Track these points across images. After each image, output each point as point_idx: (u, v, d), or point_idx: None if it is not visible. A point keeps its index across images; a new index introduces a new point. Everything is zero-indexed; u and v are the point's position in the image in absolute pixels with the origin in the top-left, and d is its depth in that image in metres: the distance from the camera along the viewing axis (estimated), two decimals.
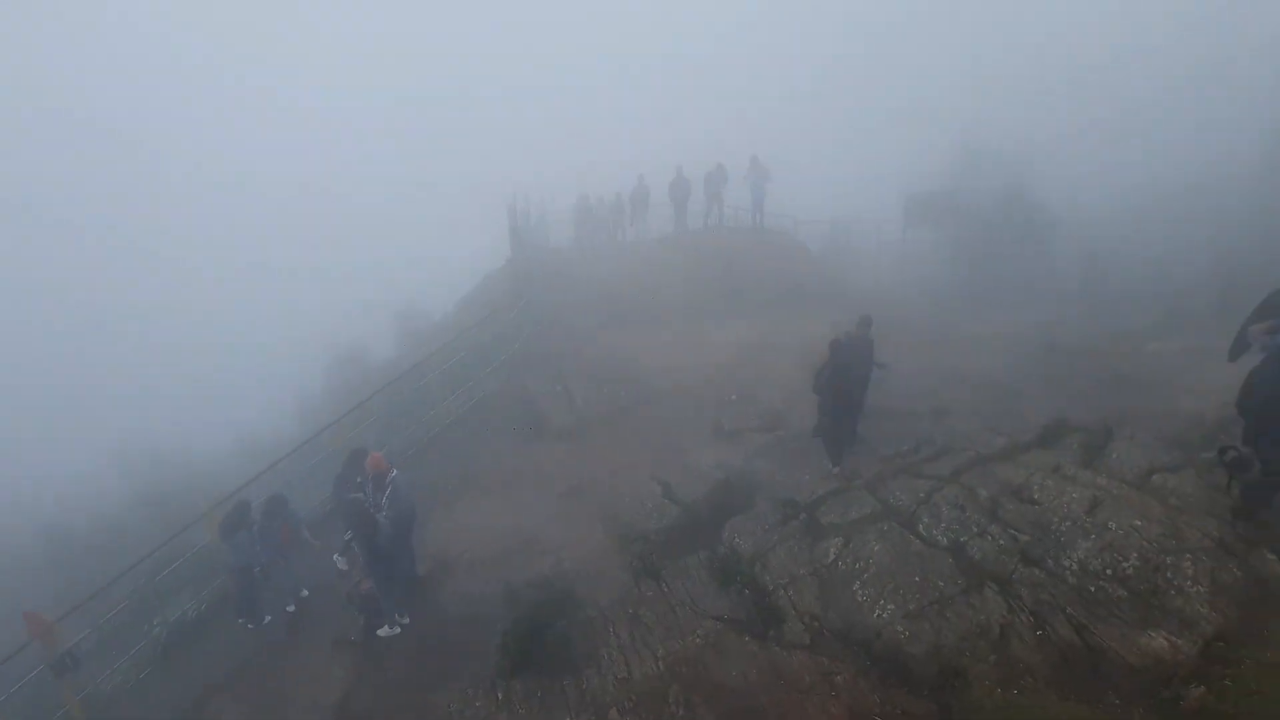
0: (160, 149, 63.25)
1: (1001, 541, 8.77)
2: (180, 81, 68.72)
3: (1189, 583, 7.53)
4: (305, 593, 12.15)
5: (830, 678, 7.62)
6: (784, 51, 52.14)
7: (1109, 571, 7.90)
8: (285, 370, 31.18)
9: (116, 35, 72.21)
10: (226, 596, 12.41)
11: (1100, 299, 19.39)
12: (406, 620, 10.69)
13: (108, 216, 58.42)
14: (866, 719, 7.13)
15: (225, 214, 59.37)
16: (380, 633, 10.58)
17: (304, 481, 14.58)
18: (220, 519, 11.69)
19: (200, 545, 12.89)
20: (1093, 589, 7.76)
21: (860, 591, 8.61)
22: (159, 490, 23.50)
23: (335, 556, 12.31)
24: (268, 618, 11.86)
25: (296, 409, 26.46)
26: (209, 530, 12.40)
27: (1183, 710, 6.38)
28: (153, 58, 71.00)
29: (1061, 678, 7.06)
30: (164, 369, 41.91)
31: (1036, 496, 9.36)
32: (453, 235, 41.61)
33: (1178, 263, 19.21)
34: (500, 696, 8.57)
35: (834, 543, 9.49)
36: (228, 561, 11.61)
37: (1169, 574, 7.68)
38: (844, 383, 11.60)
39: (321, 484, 14.54)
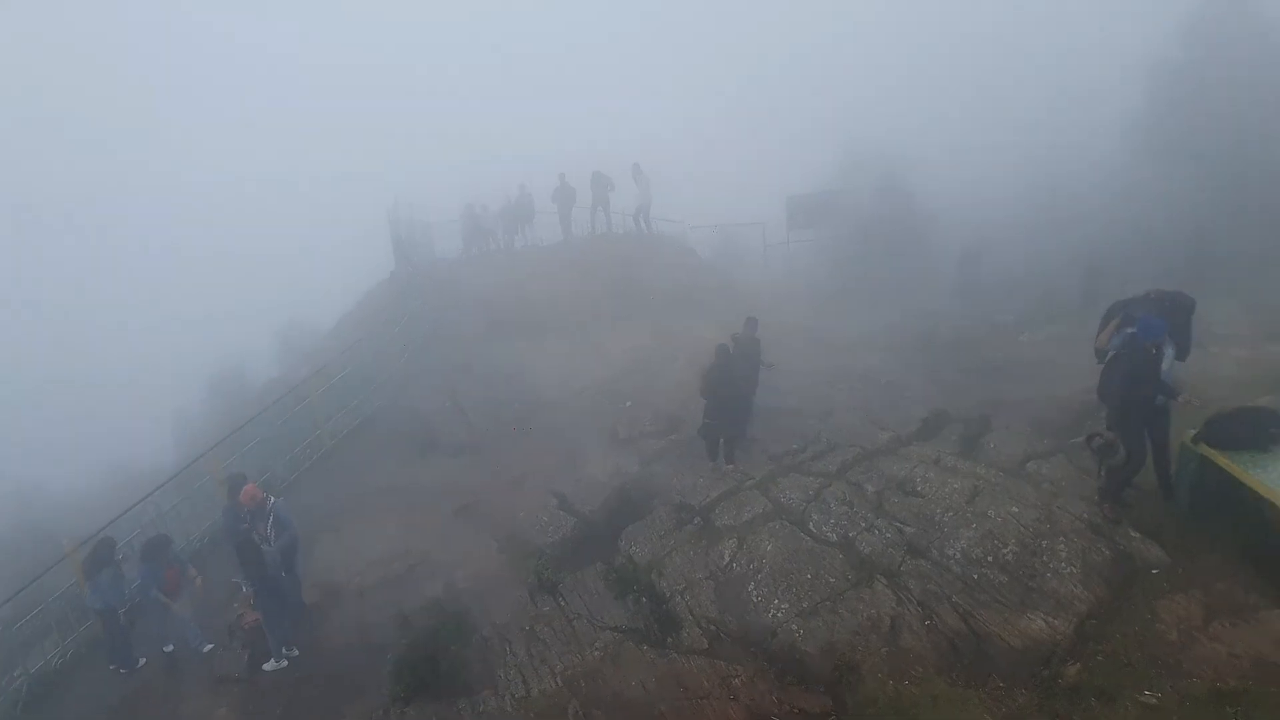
0: (21, 178, 59.16)
1: (888, 535, 8.99)
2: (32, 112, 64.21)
3: (1063, 564, 7.89)
4: (209, 647, 10.91)
5: (728, 681, 7.64)
6: (665, 58, 52.49)
7: (990, 559, 8.19)
8: (161, 397, 29.51)
9: None
10: (96, 641, 11.57)
11: (976, 293, 20.16)
12: (295, 653, 10.21)
13: None
14: None
15: (94, 237, 55.83)
16: (266, 667, 10.08)
17: (179, 513, 13.75)
18: (83, 558, 10.93)
19: (65, 588, 12.01)
20: (975, 576, 8.03)
21: (755, 592, 8.68)
22: (22, 530, 21.88)
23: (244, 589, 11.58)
24: (142, 660, 11.07)
25: (174, 437, 25.08)
26: (74, 571, 11.54)
27: (1061, 687, 6.66)
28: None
29: (949, 664, 7.27)
30: (27, 401, 39.24)
31: (920, 489, 9.65)
32: (335, 248, 40.18)
33: (1048, 256, 20.17)
34: None
35: (729, 545, 9.54)
36: (92, 603, 10.82)
37: (1045, 557, 8.03)
38: (730, 385, 11.71)
39: (200, 515, 13.80)
